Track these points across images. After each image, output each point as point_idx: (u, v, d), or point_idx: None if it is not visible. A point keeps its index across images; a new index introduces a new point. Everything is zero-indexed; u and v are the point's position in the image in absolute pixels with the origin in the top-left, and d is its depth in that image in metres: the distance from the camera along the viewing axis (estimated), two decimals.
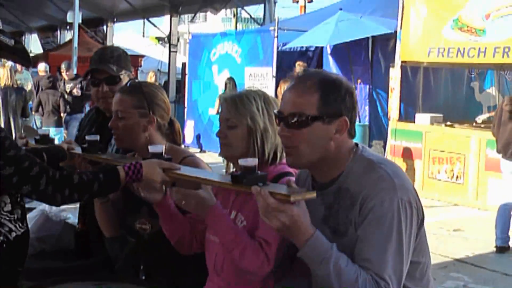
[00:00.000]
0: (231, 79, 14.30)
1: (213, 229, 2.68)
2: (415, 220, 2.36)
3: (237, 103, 2.76)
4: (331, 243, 2.25)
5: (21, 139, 3.45)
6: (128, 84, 3.37)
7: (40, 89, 14.40)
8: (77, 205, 3.68)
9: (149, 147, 2.84)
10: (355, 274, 2.21)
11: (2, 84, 10.09)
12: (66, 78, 14.24)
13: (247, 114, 2.74)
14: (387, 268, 2.24)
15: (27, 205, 2.92)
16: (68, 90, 13.97)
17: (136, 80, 3.60)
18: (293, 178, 2.70)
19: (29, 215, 3.40)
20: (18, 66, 13.16)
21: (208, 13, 22.03)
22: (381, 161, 2.44)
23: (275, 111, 2.54)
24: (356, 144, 2.51)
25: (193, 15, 25.57)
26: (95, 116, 3.87)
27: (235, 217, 2.75)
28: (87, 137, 3.20)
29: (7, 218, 2.68)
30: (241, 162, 2.36)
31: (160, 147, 2.82)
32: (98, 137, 3.20)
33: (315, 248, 2.22)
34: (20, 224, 2.74)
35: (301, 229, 2.20)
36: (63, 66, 14.31)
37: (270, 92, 14.24)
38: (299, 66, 13.83)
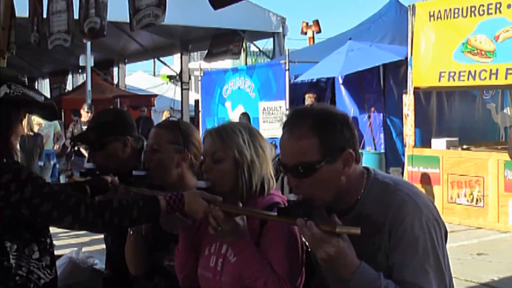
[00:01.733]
0: (245, 114, 14.33)
1: (239, 257, 2.61)
2: (443, 235, 2.38)
3: (223, 135, 2.73)
4: (378, 272, 2.24)
5: (67, 171, 3.51)
6: (166, 120, 3.42)
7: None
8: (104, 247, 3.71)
9: (196, 182, 2.83)
10: None
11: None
12: (85, 118, 14.29)
13: (234, 146, 2.70)
14: (431, 286, 2.25)
15: (57, 251, 2.96)
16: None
17: (173, 118, 3.63)
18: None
19: (56, 263, 3.42)
20: None
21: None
22: (398, 183, 2.43)
23: (278, 158, 2.52)
24: (367, 168, 2.49)
25: (202, 52, 25.77)
26: None
27: (226, 251, 2.72)
28: (134, 172, 3.22)
29: (36, 266, 2.71)
30: (290, 196, 2.34)
31: (205, 183, 2.76)
32: (144, 173, 3.22)
33: (364, 278, 2.21)
34: (49, 271, 2.77)
35: (346, 260, 2.20)
36: (85, 107, 14.43)
37: None
38: (309, 98, 14.06)
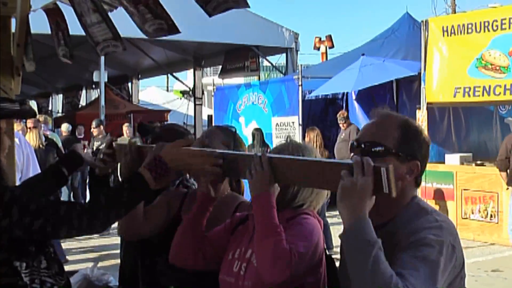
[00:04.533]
0: (258, 130, 14.33)
1: (259, 211, 2.58)
2: (452, 264, 2.30)
3: (295, 151, 2.80)
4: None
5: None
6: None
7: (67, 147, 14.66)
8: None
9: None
10: (390, 272, 2.12)
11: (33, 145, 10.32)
12: (96, 134, 14.34)
13: None
14: (417, 284, 2.14)
15: (68, 268, 2.95)
16: (94, 148, 14.11)
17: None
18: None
19: (71, 280, 3.41)
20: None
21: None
22: (434, 211, 2.45)
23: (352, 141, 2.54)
24: (416, 195, 2.52)
25: (215, 67, 25.82)
26: None
27: (251, 256, 2.72)
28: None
29: (46, 274, 2.69)
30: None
31: None
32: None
33: (365, 229, 2.17)
34: (60, 277, 2.76)
35: (361, 203, 2.18)
36: (94, 124, 14.47)
37: (297, 141, 14.28)
38: (342, 115, 14.20)
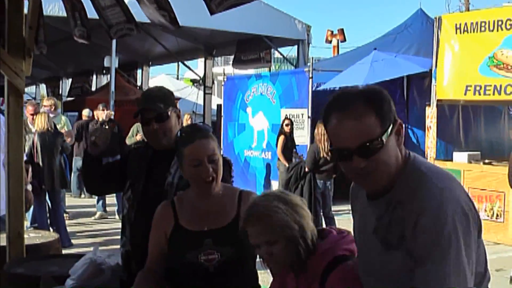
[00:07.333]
0: (287, 120, 13.79)
1: None
2: (474, 227, 2.26)
3: (266, 222, 2.69)
4: None
5: None
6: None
7: (84, 132, 14.76)
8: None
9: None
10: None
11: (39, 129, 10.38)
12: (101, 118, 14.45)
13: (282, 227, 2.66)
14: None
15: (74, 250, 2.95)
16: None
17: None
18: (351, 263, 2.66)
19: (77, 264, 3.42)
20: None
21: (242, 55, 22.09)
22: (432, 172, 2.34)
23: (332, 148, 2.39)
24: (408, 152, 2.42)
25: (226, 56, 25.73)
26: (145, 150, 3.91)
27: None
28: None
29: None
30: None
31: None
32: None
33: None
34: None
35: None
36: (100, 107, 14.57)
37: (306, 133, 14.28)
38: None
